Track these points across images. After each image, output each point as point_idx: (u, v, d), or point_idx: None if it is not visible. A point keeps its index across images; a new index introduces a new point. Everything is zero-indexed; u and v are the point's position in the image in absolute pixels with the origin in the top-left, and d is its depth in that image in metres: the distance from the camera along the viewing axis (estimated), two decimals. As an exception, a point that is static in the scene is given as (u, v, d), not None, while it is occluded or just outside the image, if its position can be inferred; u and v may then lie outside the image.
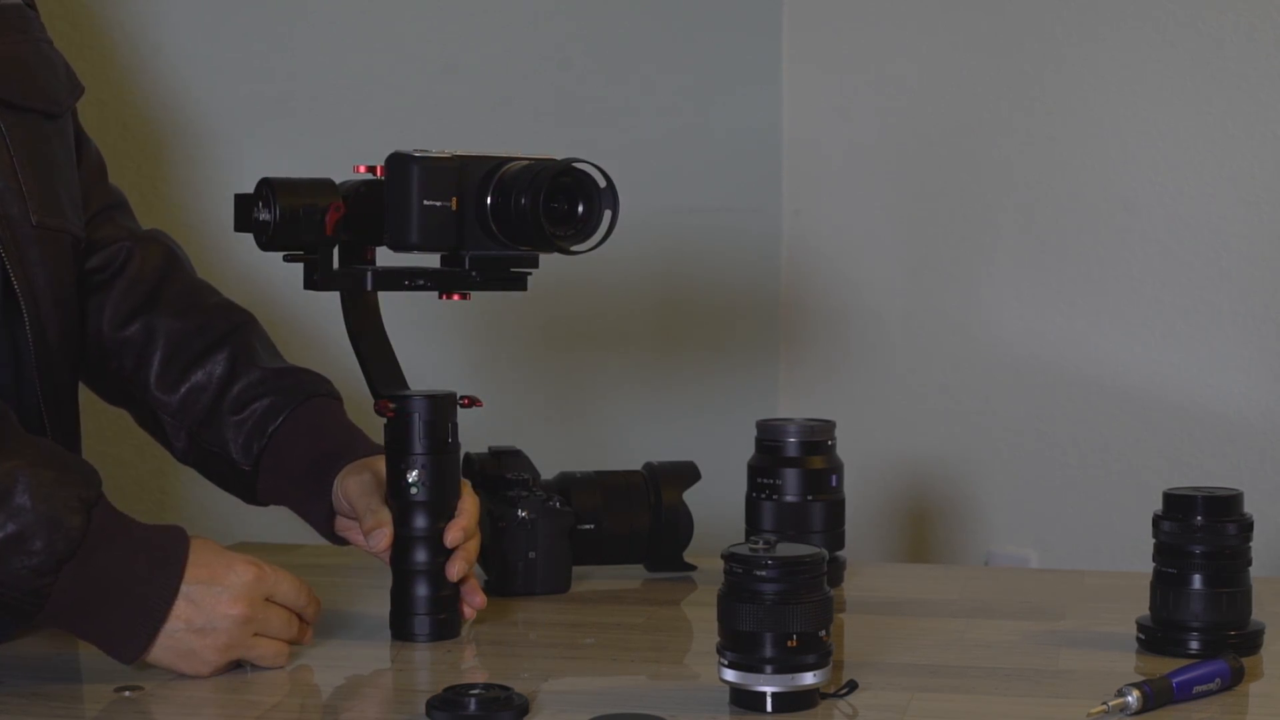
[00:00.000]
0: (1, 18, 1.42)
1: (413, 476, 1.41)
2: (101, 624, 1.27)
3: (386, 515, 1.42)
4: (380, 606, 1.45)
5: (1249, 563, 1.37)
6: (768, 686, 1.19)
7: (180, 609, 1.27)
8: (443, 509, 1.42)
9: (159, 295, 1.54)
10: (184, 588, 1.27)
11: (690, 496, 1.66)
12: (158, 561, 1.27)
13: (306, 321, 2.09)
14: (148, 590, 1.27)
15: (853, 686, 1.24)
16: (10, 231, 1.37)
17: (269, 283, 2.04)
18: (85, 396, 1.55)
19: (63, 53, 1.53)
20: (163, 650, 1.28)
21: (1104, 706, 1.19)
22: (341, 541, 1.50)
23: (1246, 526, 1.36)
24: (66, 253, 1.44)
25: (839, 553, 1.63)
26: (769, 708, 1.19)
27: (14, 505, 1.22)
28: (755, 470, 1.61)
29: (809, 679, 1.19)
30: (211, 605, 1.28)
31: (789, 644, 1.18)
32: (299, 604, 1.35)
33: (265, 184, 1.41)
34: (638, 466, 1.69)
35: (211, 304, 1.56)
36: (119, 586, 1.26)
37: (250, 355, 1.53)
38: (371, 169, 1.42)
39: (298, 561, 1.60)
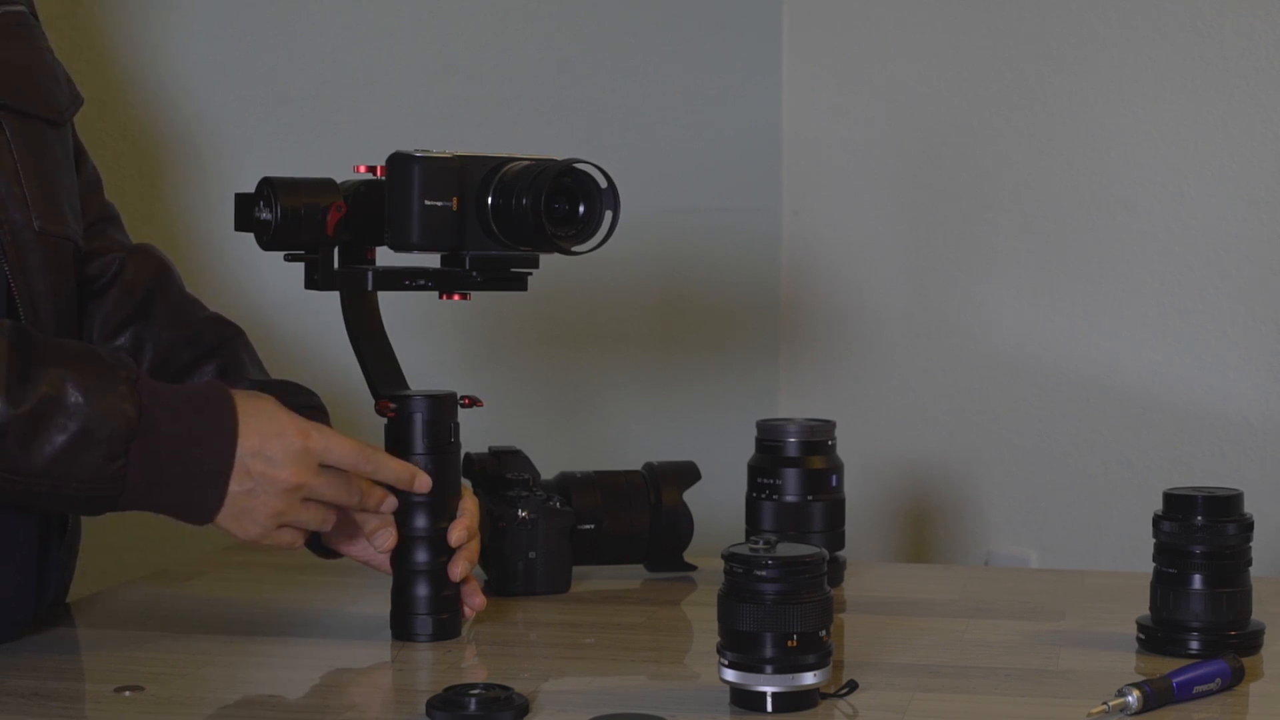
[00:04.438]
0: (5, 25, 1.42)
1: (413, 476, 1.41)
2: (174, 492, 1.30)
3: (388, 515, 1.42)
4: (380, 606, 1.45)
5: (1249, 563, 1.37)
6: (768, 686, 1.19)
7: (236, 472, 1.31)
8: (444, 509, 1.42)
9: (150, 306, 1.54)
10: (238, 451, 1.31)
11: (690, 496, 1.66)
12: (212, 421, 1.31)
13: (306, 321, 2.09)
14: (206, 453, 1.30)
15: (853, 686, 1.24)
16: (12, 236, 1.37)
17: (269, 282, 2.05)
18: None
19: (63, 53, 1.53)
20: (222, 512, 1.32)
21: (1104, 706, 1.19)
22: (332, 555, 1.49)
23: (1246, 526, 1.36)
24: (68, 259, 1.44)
25: (839, 553, 1.63)
26: (769, 708, 1.19)
27: (70, 406, 1.25)
28: (755, 470, 1.61)
29: (809, 679, 1.19)
30: (261, 471, 1.31)
31: (789, 644, 1.18)
32: (355, 465, 1.36)
33: (266, 183, 1.41)
34: (638, 466, 1.69)
35: (201, 317, 1.56)
36: (183, 451, 1.29)
37: (239, 368, 1.53)
38: (372, 169, 1.42)
39: (297, 561, 1.60)
